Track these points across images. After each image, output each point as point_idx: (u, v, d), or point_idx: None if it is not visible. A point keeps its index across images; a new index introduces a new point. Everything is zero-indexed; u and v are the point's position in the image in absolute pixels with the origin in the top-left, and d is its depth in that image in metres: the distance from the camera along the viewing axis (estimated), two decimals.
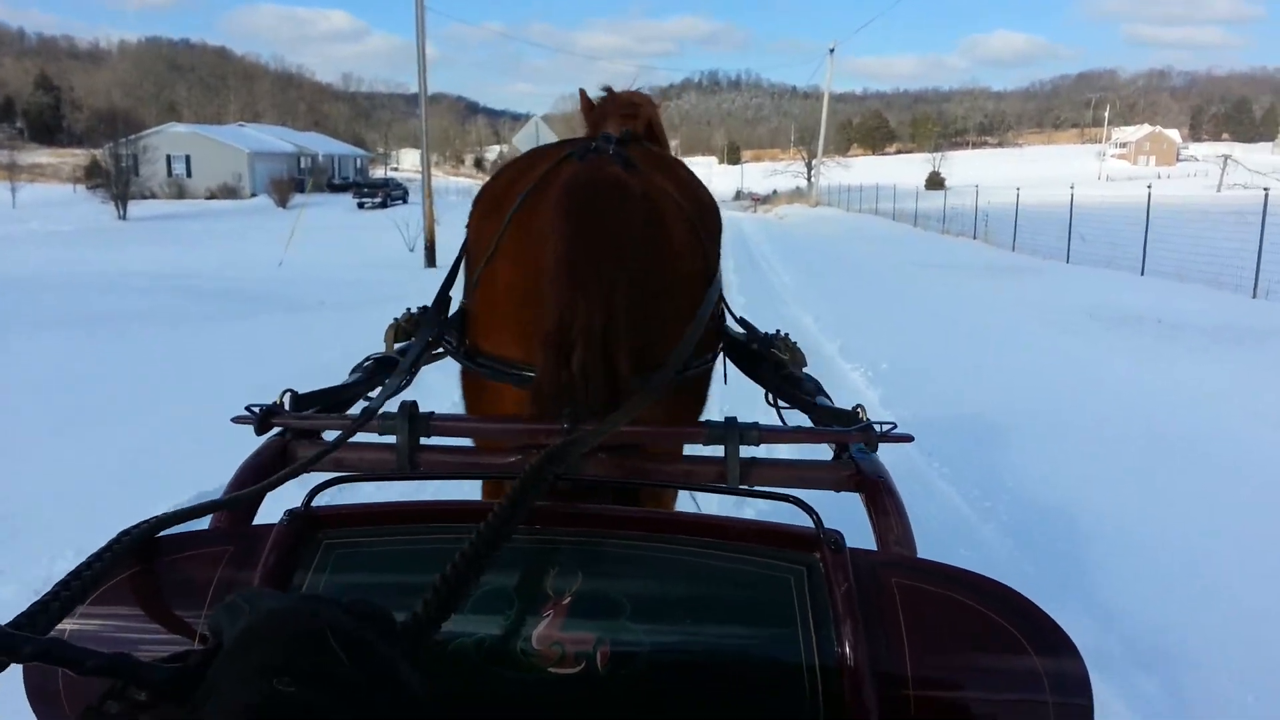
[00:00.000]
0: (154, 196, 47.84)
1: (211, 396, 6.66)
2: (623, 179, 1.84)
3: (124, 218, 34.83)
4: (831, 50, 50.44)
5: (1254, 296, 13.37)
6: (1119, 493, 5.18)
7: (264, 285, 13.89)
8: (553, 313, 1.64)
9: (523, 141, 17.77)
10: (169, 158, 54.83)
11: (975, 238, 25.48)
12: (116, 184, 36.38)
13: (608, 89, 3.26)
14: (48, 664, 0.76)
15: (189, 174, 55.52)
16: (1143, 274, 16.00)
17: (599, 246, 1.68)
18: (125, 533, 1.11)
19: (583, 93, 3.29)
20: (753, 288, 14.94)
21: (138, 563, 1.15)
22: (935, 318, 11.58)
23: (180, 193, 52.50)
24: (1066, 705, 1.06)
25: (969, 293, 14.23)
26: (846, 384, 7.68)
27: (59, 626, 0.96)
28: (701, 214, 2.05)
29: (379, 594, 1.15)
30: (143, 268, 16.65)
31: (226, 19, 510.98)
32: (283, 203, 42.80)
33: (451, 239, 18.59)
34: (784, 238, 27.80)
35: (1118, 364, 8.74)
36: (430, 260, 19.43)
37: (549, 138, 16.91)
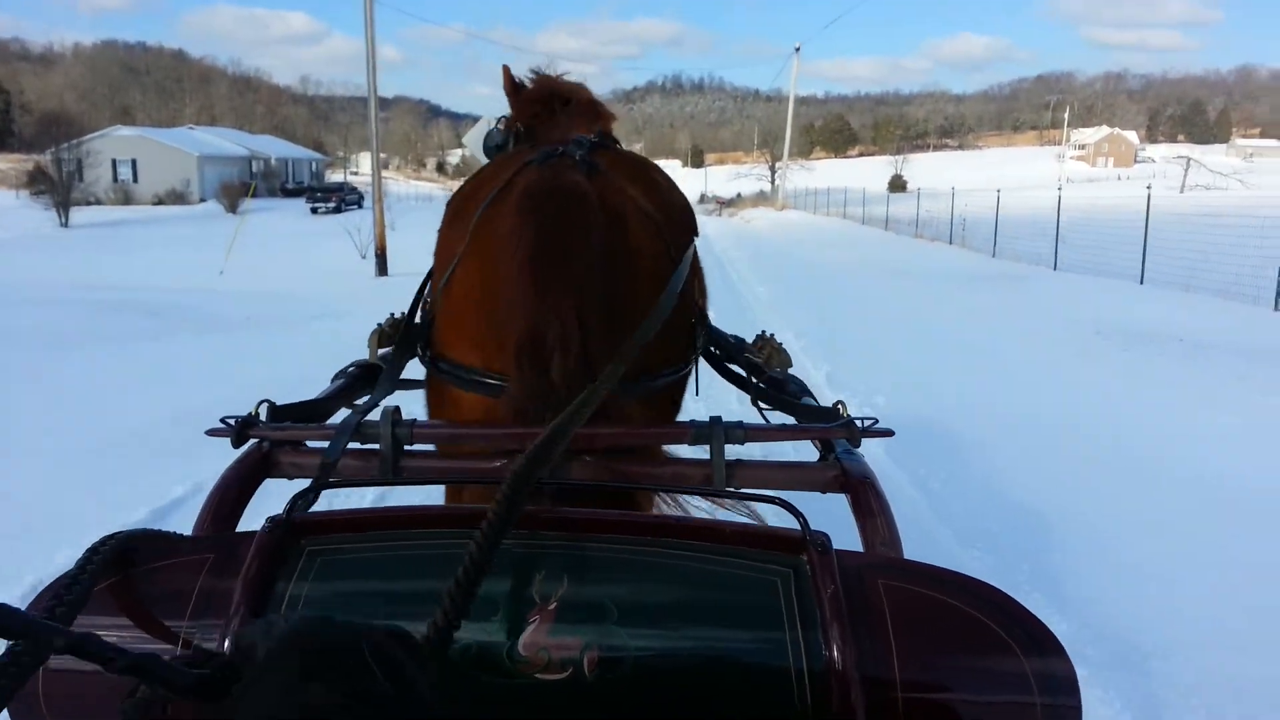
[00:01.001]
0: (99, 203, 46.35)
1: (79, 433, 5.88)
2: (580, 186, 1.83)
3: (65, 225, 33.79)
4: (797, 49, 49.90)
5: (1276, 309, 12.08)
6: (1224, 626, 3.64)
7: (191, 298, 12.95)
8: (524, 322, 1.63)
9: (472, 141, 16.60)
10: (114, 162, 53.15)
11: (951, 243, 24.51)
12: (58, 190, 35.16)
13: (536, 71, 3.06)
14: (80, 658, 0.78)
15: (135, 179, 53.77)
16: (1142, 282, 14.86)
17: (563, 253, 1.68)
18: (109, 537, 1.15)
19: (506, 70, 3.05)
20: (723, 299, 13.97)
21: (120, 570, 1.15)
22: (927, 336, 10.59)
23: (126, 198, 50.84)
24: (1054, 706, 1.06)
25: (960, 305, 13.24)
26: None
27: None
28: (669, 217, 2.03)
29: (362, 600, 1.17)
30: (64, 278, 15.75)
31: (184, 21, 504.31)
32: (233, 208, 41.39)
33: (407, 246, 17.86)
34: (752, 244, 26.67)
35: (1149, 397, 7.49)
36: (381, 269, 18.73)
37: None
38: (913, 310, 12.72)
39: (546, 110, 2.87)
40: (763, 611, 1.12)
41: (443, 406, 2.04)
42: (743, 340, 2.41)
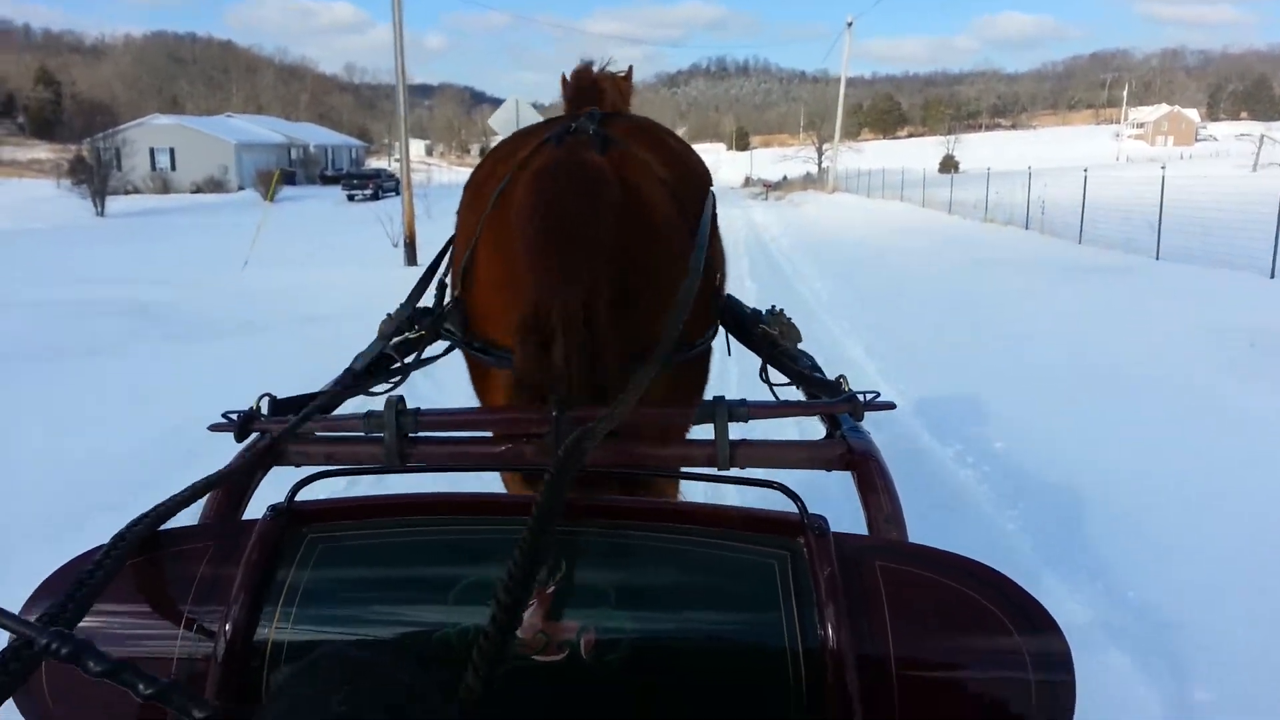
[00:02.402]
0: (137, 191, 46.25)
1: None
2: (596, 163, 1.83)
3: (102, 214, 33.54)
4: (849, 24, 48.09)
5: None
6: None
7: (196, 294, 11.91)
8: (529, 301, 1.64)
9: (500, 122, 15.60)
10: (152, 151, 52.79)
11: (1027, 227, 21.87)
12: (95, 179, 34.91)
13: (576, 71, 2.96)
14: (114, 683, 0.81)
15: (173, 167, 53.36)
16: (1273, 275, 12.65)
17: (574, 233, 1.68)
18: (129, 528, 1.14)
19: (564, 79, 3.01)
20: (773, 295, 12.20)
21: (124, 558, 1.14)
22: (1036, 351, 8.47)
23: (165, 187, 50.39)
24: (1050, 683, 1.07)
25: (1064, 305, 10.93)
26: (968, 504, 4.73)
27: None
28: (687, 185, 2.06)
29: (365, 588, 1.17)
30: (74, 272, 14.88)
31: (232, 12, 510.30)
32: (271, 197, 40.91)
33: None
34: (804, 230, 24.77)
35: None
36: (411, 258, 17.86)
37: (531, 117, 15.02)
38: (1008, 313, 10.61)
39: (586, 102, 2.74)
40: (760, 594, 1.12)
41: (483, 387, 2.10)
42: (759, 312, 2.36)
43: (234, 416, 1.63)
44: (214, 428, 1.64)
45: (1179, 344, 8.43)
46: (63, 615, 0.96)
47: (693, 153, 2.21)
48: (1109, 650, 3.34)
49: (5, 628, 0.86)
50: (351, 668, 0.75)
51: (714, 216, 2.13)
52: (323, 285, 13.15)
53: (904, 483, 1.50)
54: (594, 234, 1.68)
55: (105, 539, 1.14)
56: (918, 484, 4.76)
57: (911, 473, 5.10)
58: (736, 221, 27.98)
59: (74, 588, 1.00)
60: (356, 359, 2.06)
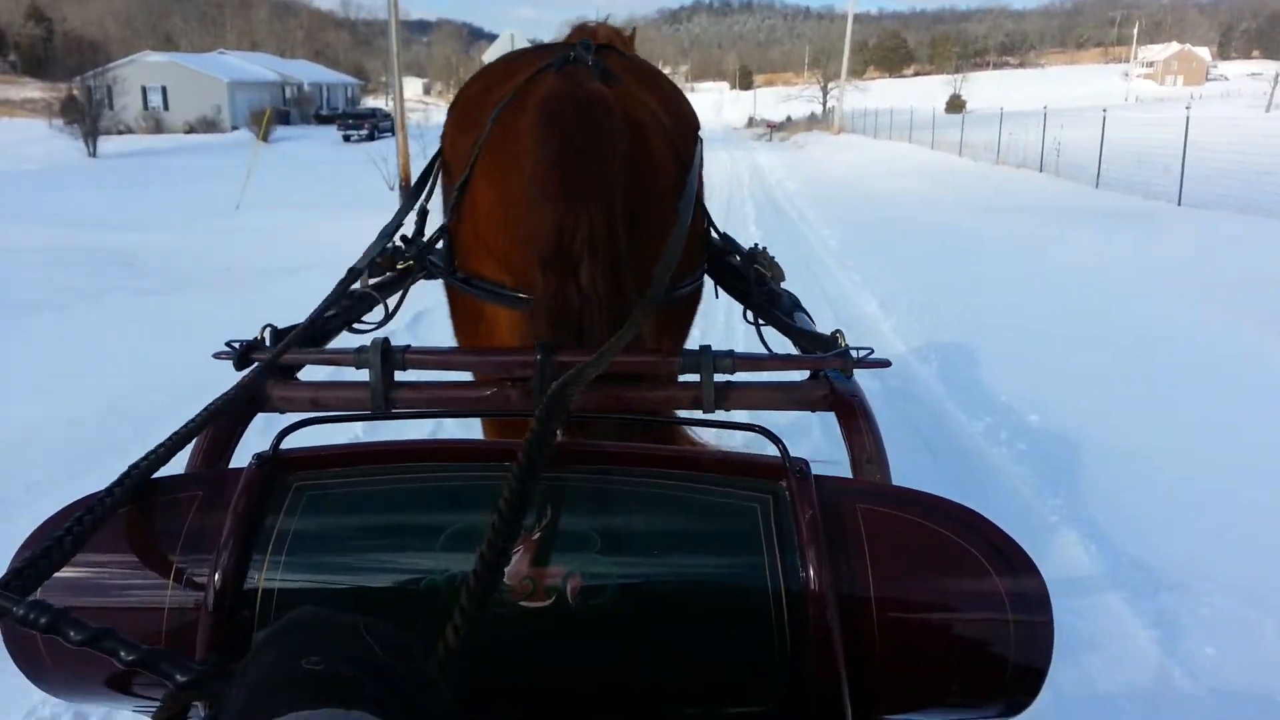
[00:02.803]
0: (130, 131, 45.17)
1: None
2: (602, 93, 1.79)
3: (94, 155, 32.70)
4: None
5: None
6: None
7: (183, 240, 11.47)
8: (549, 230, 1.61)
9: (496, 53, 14.83)
10: (144, 89, 51.46)
11: (1041, 170, 21.01)
12: (86, 119, 33.99)
13: (577, 27, 2.87)
14: (97, 650, 0.82)
15: (166, 106, 51.99)
16: None
17: (588, 161, 1.65)
18: (119, 480, 1.13)
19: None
20: (780, 245, 11.63)
21: (110, 509, 1.14)
22: (1059, 299, 7.91)
23: (157, 126, 49.11)
24: (1028, 623, 1.09)
25: (1085, 250, 10.37)
26: (1001, 486, 4.34)
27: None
28: (680, 128, 2.01)
29: (352, 536, 1.17)
30: (61, 216, 14.37)
31: None
32: (265, 137, 40.18)
33: None
34: (809, 174, 24.15)
35: None
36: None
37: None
38: (1031, 263, 9.88)
39: None
40: (742, 537, 1.13)
41: (474, 325, 2.00)
42: (738, 244, 2.35)
43: (236, 345, 1.63)
44: (217, 356, 1.64)
45: (1212, 295, 7.93)
46: (24, 575, 0.95)
47: (683, 97, 2.18)
48: None
49: None
50: (329, 626, 0.74)
51: (701, 163, 2.10)
52: (315, 231, 12.75)
53: (935, 462, 1.30)
54: (607, 162, 1.66)
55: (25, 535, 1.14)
56: (948, 468, 4.41)
57: (940, 449, 4.75)
58: (740, 164, 27.39)
59: (41, 551, 0.99)
60: (342, 295, 1.97)
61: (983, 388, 5.71)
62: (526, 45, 11.49)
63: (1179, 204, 14.63)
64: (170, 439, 1.25)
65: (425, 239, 2.16)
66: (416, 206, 2.24)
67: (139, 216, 14.86)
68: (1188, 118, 15.63)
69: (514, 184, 1.73)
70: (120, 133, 41.71)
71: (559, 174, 1.63)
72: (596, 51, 2.03)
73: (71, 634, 0.82)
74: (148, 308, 7.69)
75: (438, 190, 2.21)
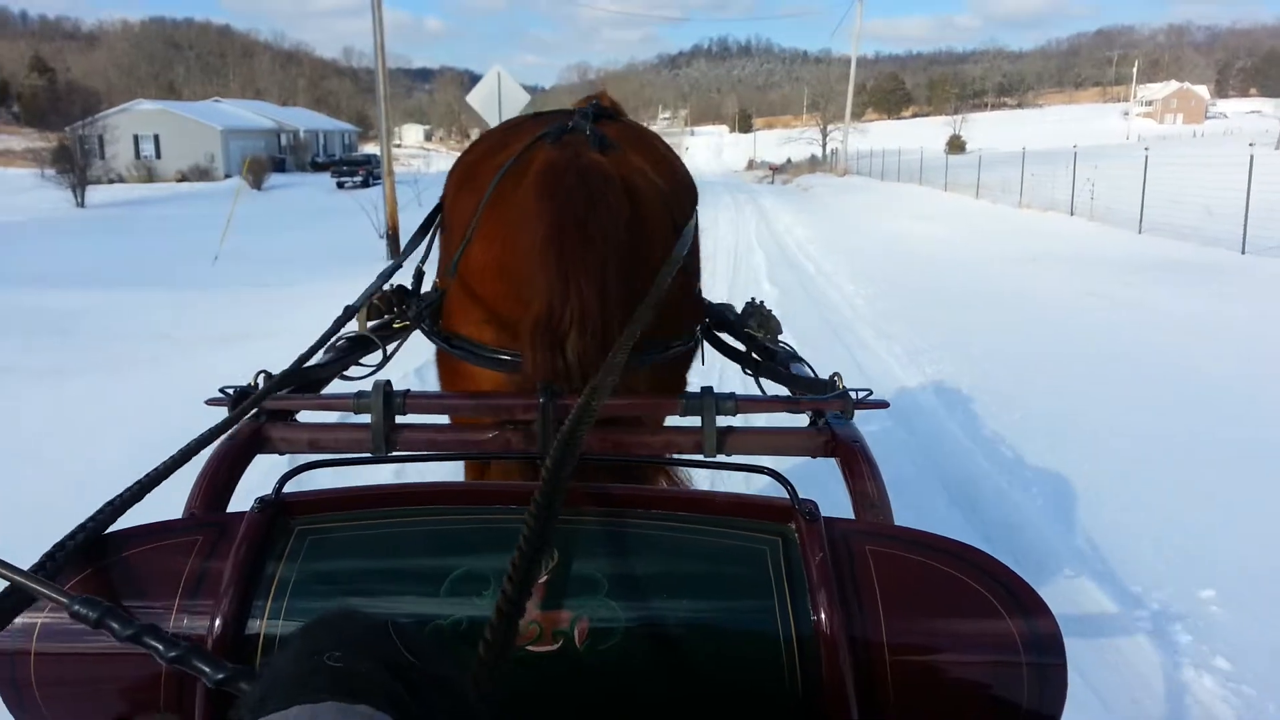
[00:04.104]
0: (121, 180, 44.74)
1: None
2: (600, 163, 1.84)
3: (82, 205, 31.96)
4: None
5: None
6: None
7: (134, 299, 10.52)
8: (541, 300, 1.65)
9: (480, 98, 13.72)
10: (136, 138, 51.10)
11: (1072, 214, 19.46)
12: (75, 168, 33.36)
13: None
14: (139, 646, 0.85)
15: (158, 155, 51.60)
16: None
17: (582, 233, 1.68)
18: (94, 515, 1.14)
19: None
20: (798, 305, 9.72)
21: (110, 553, 1.15)
22: (1190, 385, 6.54)
23: (149, 175, 48.71)
24: (1041, 665, 1.07)
25: (1183, 316, 8.86)
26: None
27: (33, 618, 1.05)
28: (675, 192, 2.06)
29: (355, 580, 1.16)
30: (12, 271, 13.44)
31: None
32: (257, 184, 39.52)
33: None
34: (820, 217, 23.02)
35: None
36: (394, 251, 16.44)
37: (513, 91, 13.52)
38: (1111, 331, 8.21)
39: None
40: (751, 579, 1.12)
41: (455, 384, 2.05)
42: (731, 306, 2.41)
43: (230, 391, 1.64)
44: (210, 402, 1.65)
45: None
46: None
47: (679, 161, 2.24)
48: None
49: (40, 595, 0.91)
50: (357, 626, 0.74)
51: (696, 226, 2.13)
52: (289, 289, 11.81)
53: None
54: (603, 234, 1.69)
55: None
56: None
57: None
58: (745, 209, 26.38)
59: (51, 551, 1.01)
60: (338, 340, 1.98)
61: (1121, 554, 4.01)
62: (512, 80, 10.40)
63: (1242, 251, 13.30)
64: (147, 477, 1.22)
65: (423, 298, 2.19)
66: (415, 254, 2.25)
67: (109, 271, 13.96)
68: (1251, 157, 14.25)
69: (509, 253, 1.79)
70: (111, 182, 41.35)
71: (556, 247, 1.66)
72: (595, 119, 2.09)
73: (117, 628, 0.85)
74: (36, 396, 6.46)
75: (434, 248, 2.27)
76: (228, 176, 48.87)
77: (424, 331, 2.10)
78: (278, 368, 1.70)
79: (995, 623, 1.08)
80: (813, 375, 1.94)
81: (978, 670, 1.09)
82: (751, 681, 1.06)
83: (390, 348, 2.04)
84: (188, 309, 9.95)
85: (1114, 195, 17.71)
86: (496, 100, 12.99)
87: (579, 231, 1.66)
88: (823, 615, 1.06)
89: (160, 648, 0.83)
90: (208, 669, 0.80)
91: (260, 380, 1.65)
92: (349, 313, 1.97)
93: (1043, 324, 9.07)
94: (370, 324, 2.11)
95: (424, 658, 0.72)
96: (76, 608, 0.87)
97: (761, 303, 2.35)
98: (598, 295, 1.63)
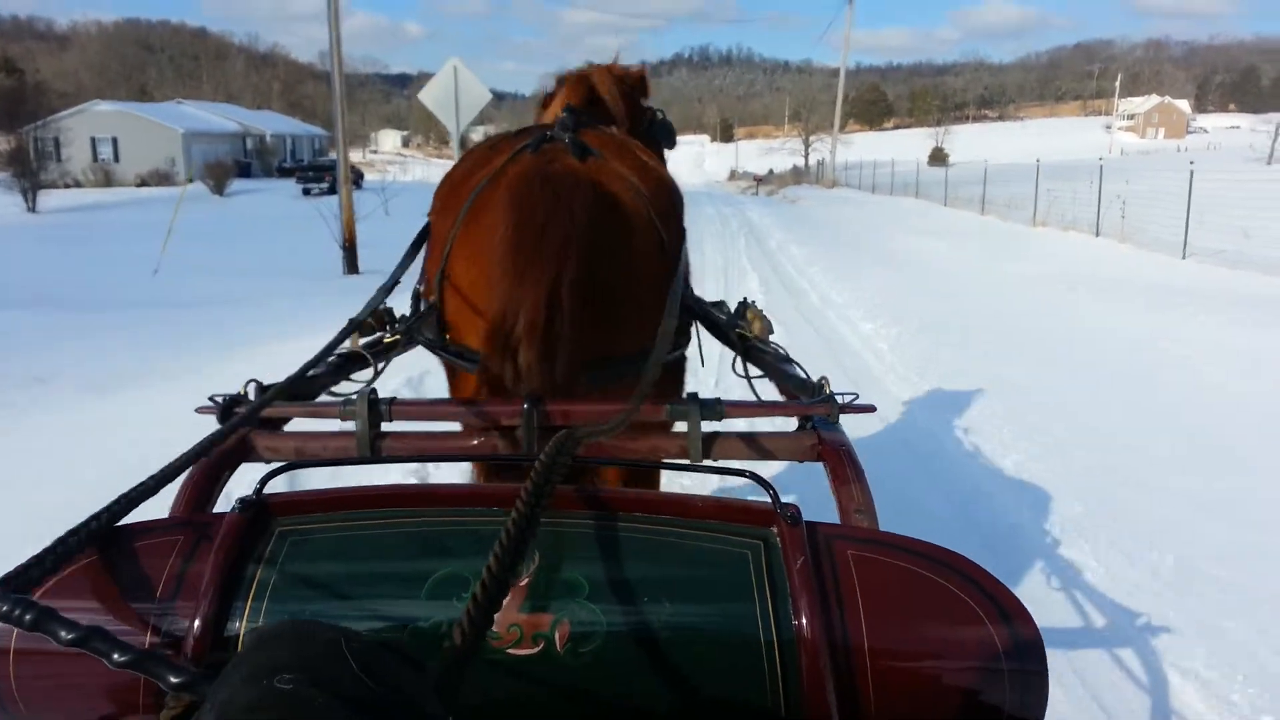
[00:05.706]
0: (77, 185, 42.62)
1: None
2: (571, 168, 1.90)
3: (33, 210, 30.32)
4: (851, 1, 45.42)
5: None
6: None
7: (37, 322, 8.93)
8: (496, 310, 1.72)
9: (432, 97, 11.84)
10: (94, 140, 48.97)
11: (1098, 234, 17.49)
12: (25, 172, 31.54)
13: (560, 77, 3.12)
14: (86, 651, 0.82)
15: (116, 158, 49.25)
16: None
17: (543, 243, 1.71)
18: (93, 518, 1.12)
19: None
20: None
21: (91, 552, 1.14)
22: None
23: (107, 180, 46.25)
24: (1022, 672, 1.07)
25: (1255, 365, 7.26)
26: None
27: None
28: (658, 196, 2.08)
29: (335, 582, 1.15)
30: None
31: None
32: (219, 190, 37.79)
33: (399, 235, 13.86)
34: (811, 232, 21.33)
35: None
36: (351, 265, 15.13)
37: (471, 86, 11.82)
38: (1176, 387, 6.65)
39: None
40: (733, 583, 1.12)
41: (458, 388, 2.13)
42: (724, 304, 2.42)
43: (219, 399, 1.63)
44: (200, 410, 1.64)
45: None
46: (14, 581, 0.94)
47: (664, 169, 2.29)
48: None
49: None
50: (308, 642, 0.72)
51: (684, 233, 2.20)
52: (233, 309, 10.33)
53: None
54: (562, 240, 1.72)
55: None
56: None
57: None
58: (731, 223, 24.75)
59: (26, 566, 0.99)
60: (332, 356, 1.98)
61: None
62: (469, 74, 8.78)
63: None
64: (143, 483, 1.20)
65: (411, 314, 2.22)
66: (406, 270, 2.28)
67: (36, 286, 12.34)
68: None
69: (480, 259, 1.86)
70: (66, 186, 39.36)
71: (512, 256, 1.71)
72: (576, 127, 2.18)
73: (61, 633, 0.80)
74: None
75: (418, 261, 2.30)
76: (190, 181, 47.04)
77: (423, 343, 2.15)
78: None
79: (976, 629, 1.07)
80: (804, 376, 1.90)
81: (958, 676, 1.07)
82: (732, 685, 1.06)
83: (381, 365, 2.02)
84: (93, 337, 8.38)
85: (1142, 214, 16.29)
86: (453, 98, 11.32)
87: (537, 239, 1.71)
88: (804, 619, 1.05)
89: (113, 654, 0.78)
90: (166, 673, 0.77)
91: (250, 390, 1.64)
92: (353, 325, 2.05)
93: (1149, 384, 7.05)
94: (362, 341, 2.12)
95: (378, 674, 0.69)
96: (6, 608, 0.82)
97: (753, 302, 2.37)
98: (546, 305, 1.66)
